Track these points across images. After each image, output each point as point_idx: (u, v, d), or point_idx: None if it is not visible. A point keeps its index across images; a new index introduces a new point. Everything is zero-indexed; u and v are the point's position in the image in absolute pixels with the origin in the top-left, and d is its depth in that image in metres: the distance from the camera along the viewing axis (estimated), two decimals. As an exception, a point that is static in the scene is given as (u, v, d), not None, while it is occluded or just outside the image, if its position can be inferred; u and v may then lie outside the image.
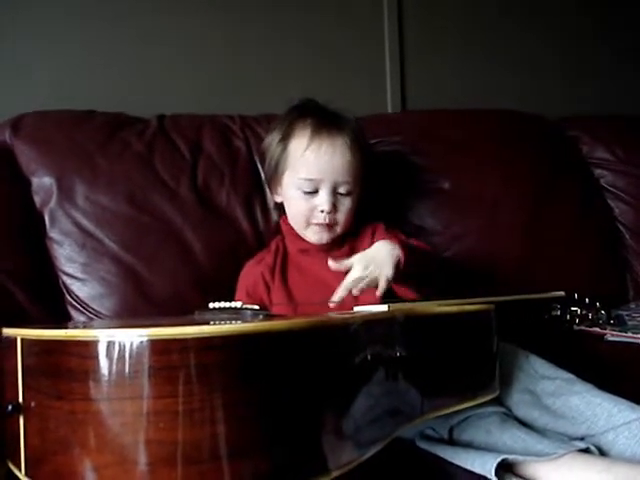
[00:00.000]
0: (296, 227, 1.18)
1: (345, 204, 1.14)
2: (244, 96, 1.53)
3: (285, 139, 1.16)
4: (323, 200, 1.12)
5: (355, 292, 0.97)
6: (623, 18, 2.03)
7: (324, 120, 1.15)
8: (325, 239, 1.15)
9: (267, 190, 1.27)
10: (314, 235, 1.15)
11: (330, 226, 1.14)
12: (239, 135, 1.37)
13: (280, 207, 1.23)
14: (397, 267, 0.98)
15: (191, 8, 1.53)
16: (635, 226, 1.63)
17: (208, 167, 1.30)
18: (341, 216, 1.15)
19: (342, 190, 1.13)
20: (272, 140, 1.20)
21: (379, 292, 0.96)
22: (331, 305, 0.97)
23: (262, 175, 1.31)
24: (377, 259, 0.98)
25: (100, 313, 1.16)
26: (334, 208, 1.13)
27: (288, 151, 1.16)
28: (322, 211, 1.12)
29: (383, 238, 1.15)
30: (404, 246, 1.01)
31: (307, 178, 1.12)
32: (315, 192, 1.13)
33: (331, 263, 1.00)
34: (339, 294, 0.96)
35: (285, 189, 1.18)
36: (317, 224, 1.14)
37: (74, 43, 1.43)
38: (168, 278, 1.19)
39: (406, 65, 1.74)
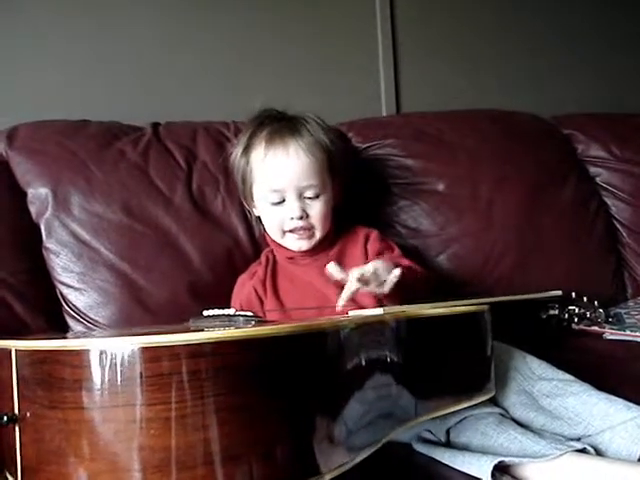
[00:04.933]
0: (274, 238, 1.18)
1: (316, 207, 1.13)
2: (238, 102, 1.52)
3: (246, 151, 1.17)
4: (290, 208, 1.11)
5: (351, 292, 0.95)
6: (616, 15, 2.03)
7: (278, 127, 1.14)
8: (305, 246, 1.15)
9: (245, 206, 1.25)
10: (292, 243, 1.15)
11: (308, 232, 1.13)
12: (234, 142, 1.36)
13: (261, 220, 1.22)
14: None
15: (185, 15, 1.54)
16: (632, 224, 1.63)
17: (203, 174, 1.30)
18: (315, 220, 1.13)
19: (309, 194, 1.12)
20: (236, 154, 1.20)
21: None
22: (338, 309, 0.95)
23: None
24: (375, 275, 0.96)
25: (97, 322, 1.16)
26: (304, 213, 1.12)
27: (250, 164, 1.16)
28: (292, 218, 1.12)
29: (377, 247, 1.16)
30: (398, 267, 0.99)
31: (270, 190, 1.12)
32: (283, 201, 1.12)
33: (331, 266, 0.96)
34: (343, 298, 0.95)
35: (256, 203, 1.18)
36: (292, 231, 1.13)
37: (68, 53, 1.43)
38: (165, 286, 1.19)
39: (400, 68, 1.75)
